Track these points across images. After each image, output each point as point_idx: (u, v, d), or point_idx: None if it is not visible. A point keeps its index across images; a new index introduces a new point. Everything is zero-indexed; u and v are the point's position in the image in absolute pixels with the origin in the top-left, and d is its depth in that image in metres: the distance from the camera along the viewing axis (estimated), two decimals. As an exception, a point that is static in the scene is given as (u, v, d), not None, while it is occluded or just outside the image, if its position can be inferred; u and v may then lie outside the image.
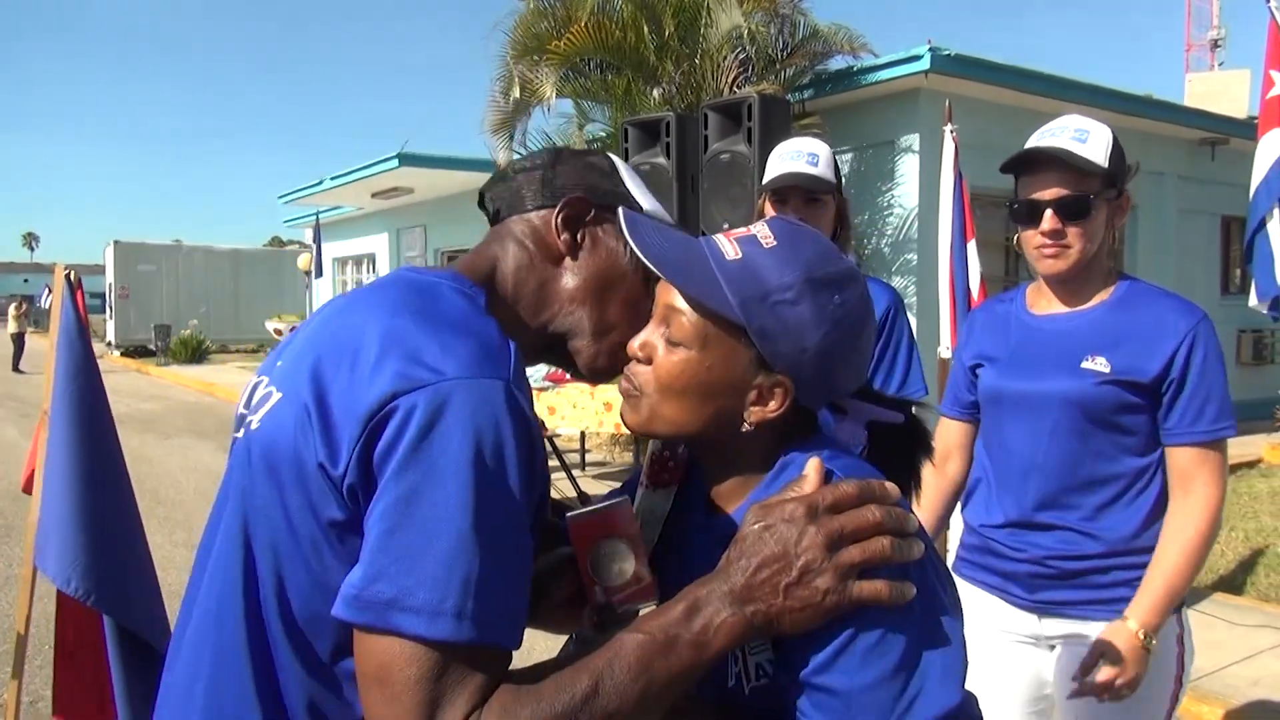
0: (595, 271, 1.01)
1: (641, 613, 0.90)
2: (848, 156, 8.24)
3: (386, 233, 16.95)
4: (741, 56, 7.52)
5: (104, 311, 24.22)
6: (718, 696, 0.93)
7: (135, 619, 2.08)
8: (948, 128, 5.19)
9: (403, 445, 0.76)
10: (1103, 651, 1.62)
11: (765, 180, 2.12)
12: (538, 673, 0.78)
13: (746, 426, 0.91)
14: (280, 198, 16.94)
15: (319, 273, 15.96)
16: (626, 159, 5.44)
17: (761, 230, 0.92)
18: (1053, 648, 1.82)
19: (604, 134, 8.61)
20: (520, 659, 0.79)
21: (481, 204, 1.08)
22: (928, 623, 0.83)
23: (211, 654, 0.86)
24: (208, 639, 0.87)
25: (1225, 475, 1.70)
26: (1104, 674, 1.60)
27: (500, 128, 8.70)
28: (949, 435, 2.01)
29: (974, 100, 7.64)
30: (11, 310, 21.48)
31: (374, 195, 14.87)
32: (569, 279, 1.01)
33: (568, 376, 1.38)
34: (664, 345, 0.92)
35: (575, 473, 7.60)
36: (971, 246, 5.12)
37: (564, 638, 1.10)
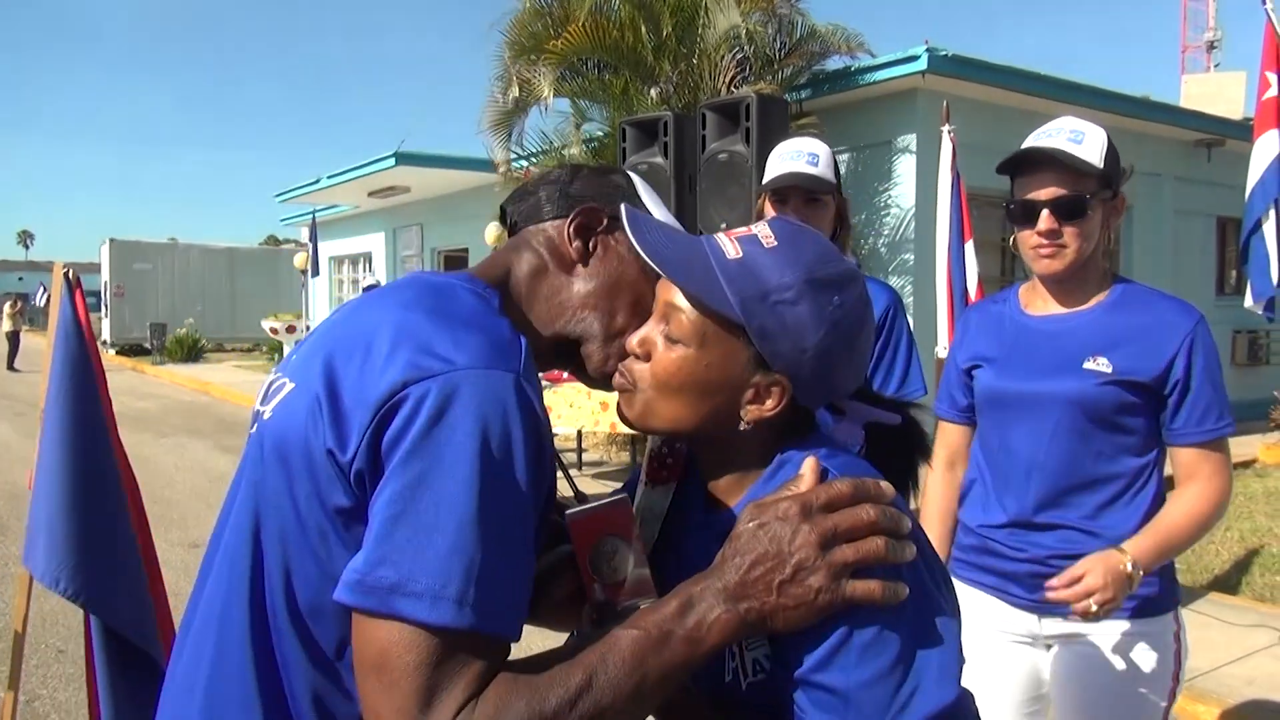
0: (606, 278, 1.02)
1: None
2: (845, 156, 8.24)
3: (383, 232, 16.95)
4: (739, 56, 7.53)
5: (99, 310, 24.19)
6: (715, 691, 0.93)
7: (122, 620, 2.07)
8: (945, 128, 5.20)
9: (412, 433, 0.77)
10: (1089, 567, 1.57)
11: (765, 180, 2.11)
12: (533, 664, 0.78)
13: (743, 425, 0.91)
14: (277, 196, 16.91)
15: (315, 271, 15.90)
16: (624, 158, 5.44)
17: (762, 230, 0.93)
18: (1050, 647, 1.83)
19: (601, 133, 8.62)
20: (518, 656, 0.79)
21: (502, 218, 1.10)
22: (923, 621, 0.83)
23: (214, 645, 0.87)
24: (211, 630, 0.87)
25: (1230, 468, 1.73)
26: (1085, 584, 1.55)
27: (498, 127, 8.71)
28: (955, 439, 2.01)
29: (971, 101, 7.66)
30: (6, 309, 21.44)
31: (371, 194, 14.86)
32: (580, 285, 1.02)
33: (564, 376, 1.38)
34: (663, 342, 0.93)
35: (572, 472, 7.58)
36: (970, 247, 5.14)
37: (563, 636, 1.10)
